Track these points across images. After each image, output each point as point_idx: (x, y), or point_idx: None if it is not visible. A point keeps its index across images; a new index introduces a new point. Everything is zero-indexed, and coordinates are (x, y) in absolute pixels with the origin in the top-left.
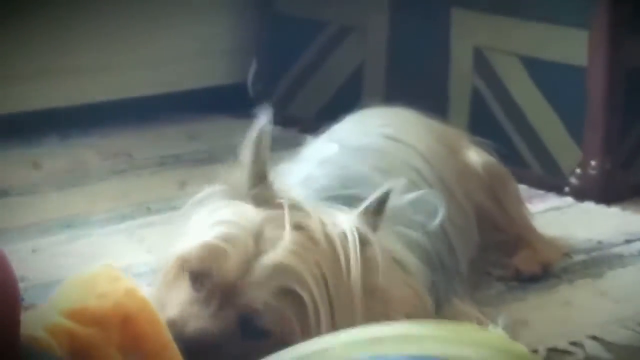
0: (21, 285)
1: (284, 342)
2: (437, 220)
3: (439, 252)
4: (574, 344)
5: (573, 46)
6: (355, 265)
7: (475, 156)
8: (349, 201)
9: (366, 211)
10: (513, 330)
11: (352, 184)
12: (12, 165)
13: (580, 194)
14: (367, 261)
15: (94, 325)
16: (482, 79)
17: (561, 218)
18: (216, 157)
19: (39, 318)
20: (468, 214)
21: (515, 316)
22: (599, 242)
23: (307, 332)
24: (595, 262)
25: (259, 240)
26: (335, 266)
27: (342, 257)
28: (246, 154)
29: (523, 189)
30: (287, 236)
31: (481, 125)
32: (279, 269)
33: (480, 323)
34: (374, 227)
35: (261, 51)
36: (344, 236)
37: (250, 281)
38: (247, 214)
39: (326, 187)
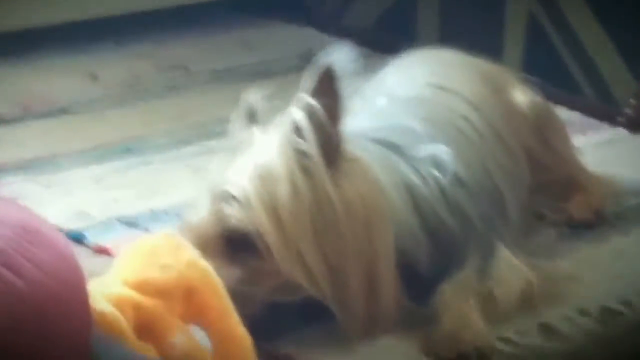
0: (84, 223)
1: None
2: (447, 177)
3: (474, 204)
4: (625, 303)
5: None
6: (317, 159)
7: (522, 96)
8: (400, 150)
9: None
10: (563, 286)
11: (402, 135)
12: (70, 77)
13: (634, 125)
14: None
15: (158, 296)
16: (539, 4)
17: (614, 153)
18: (271, 69)
19: (105, 288)
20: (517, 156)
21: (563, 270)
22: None
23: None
24: None
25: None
26: (300, 169)
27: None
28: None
29: (576, 116)
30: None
31: (537, 51)
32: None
33: (527, 281)
34: (331, 114)
35: None
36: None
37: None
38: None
39: (379, 139)
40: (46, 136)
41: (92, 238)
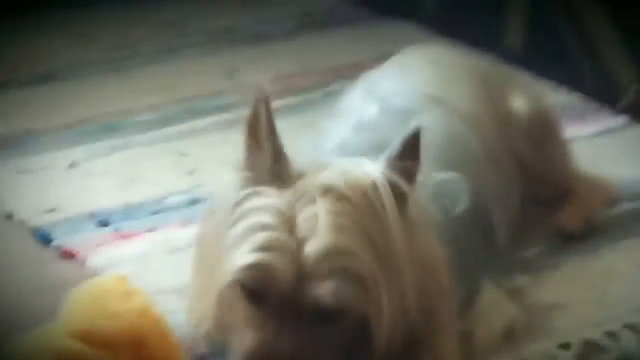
0: (51, 218)
1: (358, 320)
2: (461, 207)
3: (465, 238)
4: (609, 334)
5: None
6: (393, 218)
7: (520, 101)
8: None
9: (396, 155)
10: (546, 315)
11: None
12: (61, 37)
13: (636, 112)
14: (405, 217)
15: (104, 348)
16: None
17: (613, 145)
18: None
19: (48, 340)
20: (510, 175)
21: (548, 295)
22: None
23: (374, 304)
24: None
25: (294, 229)
26: (375, 223)
27: (379, 210)
28: (257, 133)
29: (576, 100)
30: (322, 212)
31: (538, 33)
32: (328, 252)
33: (510, 318)
34: (409, 176)
35: None
36: (374, 187)
37: (308, 278)
38: (275, 204)
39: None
40: (27, 108)
41: (61, 237)
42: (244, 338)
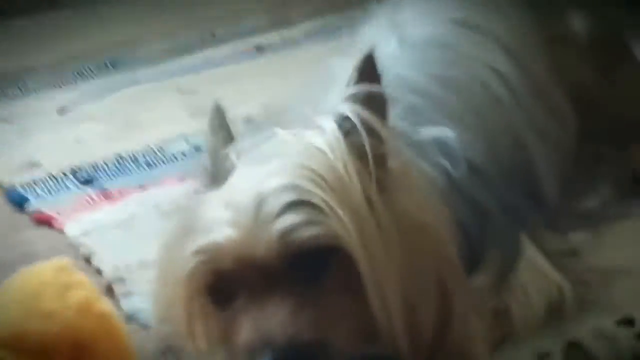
0: (29, 175)
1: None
2: (459, 171)
3: (489, 196)
4: None
5: None
6: (347, 164)
7: (582, 22)
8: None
9: (353, 91)
10: (605, 284)
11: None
12: None
13: None
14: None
15: (38, 355)
16: None
17: None
18: None
19: None
20: (562, 112)
21: (610, 258)
22: None
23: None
24: None
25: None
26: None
27: (333, 158)
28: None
29: None
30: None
31: None
32: (279, 189)
33: (556, 290)
34: (376, 108)
35: None
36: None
37: (264, 220)
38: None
39: None
40: (23, 39)
41: (37, 198)
42: (243, 334)
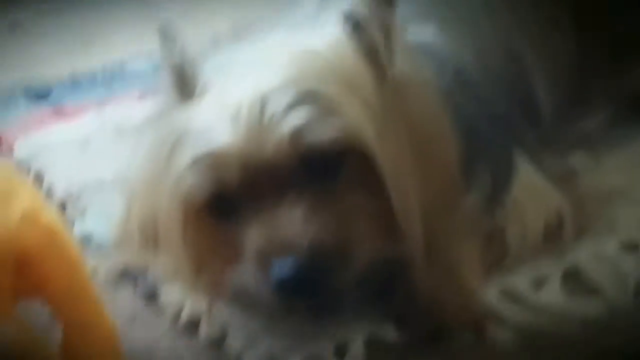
0: None
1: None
2: (445, 79)
3: (484, 105)
4: None
5: None
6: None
7: None
8: None
9: None
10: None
11: None
12: None
13: None
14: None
15: None
16: None
17: None
18: None
19: None
20: (559, 18)
21: (610, 180)
22: None
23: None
24: None
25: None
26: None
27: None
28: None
29: None
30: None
31: None
32: (282, 85)
33: (555, 211)
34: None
35: None
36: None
37: (277, 139)
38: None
39: None
40: None
41: None
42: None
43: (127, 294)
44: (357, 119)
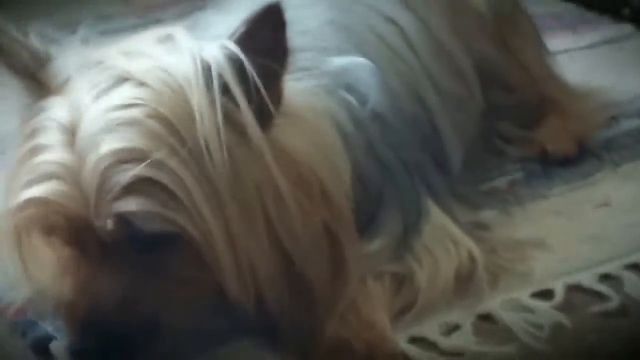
0: None
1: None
2: (373, 102)
3: (392, 145)
4: (606, 277)
5: None
6: (213, 114)
7: None
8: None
9: (246, 30)
10: (519, 255)
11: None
12: None
13: None
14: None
15: None
16: None
17: (615, 56)
18: None
19: None
20: (467, 75)
21: (523, 230)
22: None
23: (195, 221)
24: None
25: (75, 143)
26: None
27: (195, 105)
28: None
29: (571, 9)
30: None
31: None
32: (118, 158)
33: (466, 257)
34: (271, 55)
35: None
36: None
37: (103, 196)
38: (55, 115)
39: None
40: None
41: None
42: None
43: None
44: (189, 213)
